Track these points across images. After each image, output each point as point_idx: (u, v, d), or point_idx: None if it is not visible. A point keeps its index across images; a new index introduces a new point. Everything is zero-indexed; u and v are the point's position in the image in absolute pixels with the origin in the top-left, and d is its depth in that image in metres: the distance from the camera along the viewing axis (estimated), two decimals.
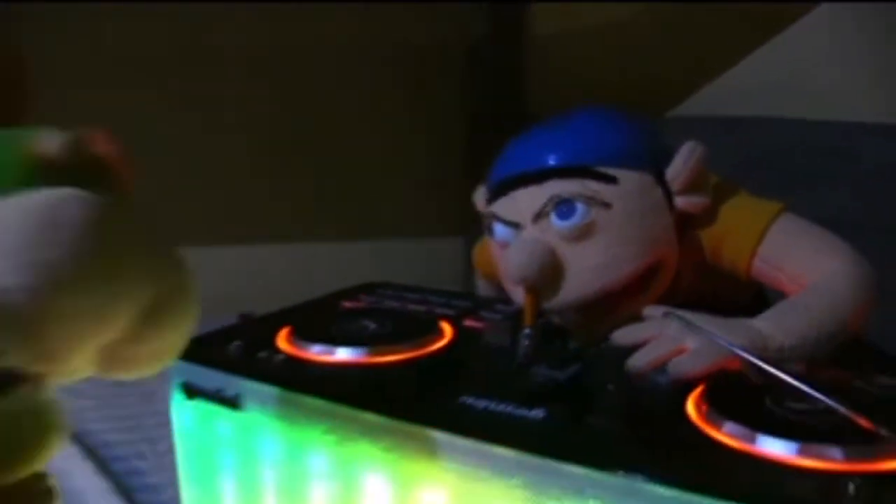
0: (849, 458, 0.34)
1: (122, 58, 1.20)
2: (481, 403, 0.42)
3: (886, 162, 0.85)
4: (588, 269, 0.52)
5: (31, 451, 0.33)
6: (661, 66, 1.21)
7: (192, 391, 0.51)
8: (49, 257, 0.31)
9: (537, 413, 0.40)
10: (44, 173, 0.35)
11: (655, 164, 0.53)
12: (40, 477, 0.39)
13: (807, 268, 0.49)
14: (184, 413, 0.52)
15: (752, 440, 0.36)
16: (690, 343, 0.45)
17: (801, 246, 0.51)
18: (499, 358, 0.50)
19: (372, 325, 0.54)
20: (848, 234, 0.52)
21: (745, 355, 0.42)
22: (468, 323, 0.57)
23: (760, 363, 0.41)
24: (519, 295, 0.54)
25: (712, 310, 0.47)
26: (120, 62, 1.19)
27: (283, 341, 0.52)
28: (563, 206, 0.51)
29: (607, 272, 0.52)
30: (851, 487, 0.31)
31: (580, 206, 0.51)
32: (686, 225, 0.54)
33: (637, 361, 0.45)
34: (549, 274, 0.52)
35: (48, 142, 0.36)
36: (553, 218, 0.52)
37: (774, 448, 0.35)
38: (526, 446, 0.38)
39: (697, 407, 0.40)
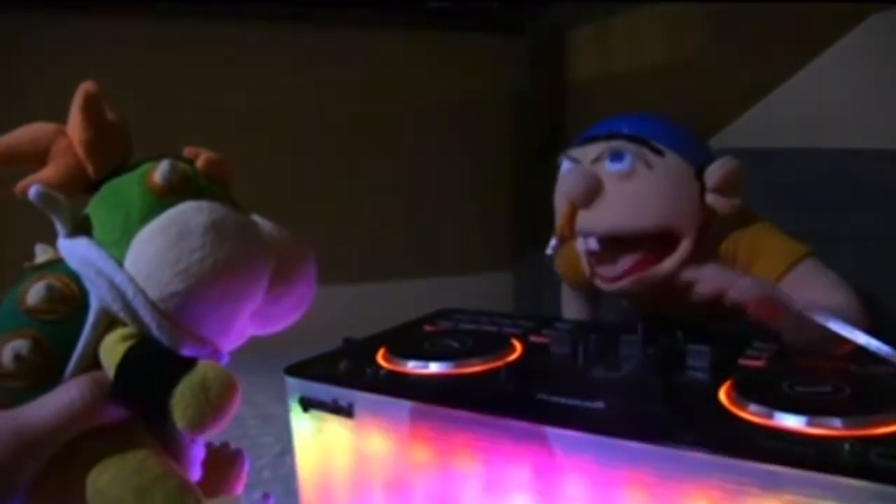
0: (846, 426, 0.43)
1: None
2: (552, 399, 0.51)
3: None
4: (618, 207, 0.64)
5: (221, 409, 0.37)
6: (689, 103, 1.26)
7: (307, 404, 0.59)
8: (192, 259, 0.39)
9: (598, 404, 0.50)
10: (166, 195, 0.41)
11: (699, 163, 0.66)
12: (226, 444, 0.48)
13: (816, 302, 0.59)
14: (301, 424, 0.60)
15: (771, 416, 0.45)
16: (747, 280, 0.58)
17: (816, 285, 0.62)
18: (563, 364, 0.59)
19: (455, 343, 0.63)
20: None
21: (785, 296, 0.56)
22: (534, 339, 0.66)
23: (795, 303, 0.55)
24: (562, 212, 0.66)
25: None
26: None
27: (382, 359, 0.61)
28: (617, 155, 0.65)
29: (631, 215, 0.64)
30: (847, 447, 0.40)
31: (629, 156, 0.65)
32: (716, 223, 0.66)
33: (702, 288, 0.59)
34: (589, 198, 0.65)
35: (160, 172, 0.41)
36: (606, 162, 0.65)
37: (788, 421, 0.44)
38: (589, 428, 0.47)
39: (727, 394, 0.49)
